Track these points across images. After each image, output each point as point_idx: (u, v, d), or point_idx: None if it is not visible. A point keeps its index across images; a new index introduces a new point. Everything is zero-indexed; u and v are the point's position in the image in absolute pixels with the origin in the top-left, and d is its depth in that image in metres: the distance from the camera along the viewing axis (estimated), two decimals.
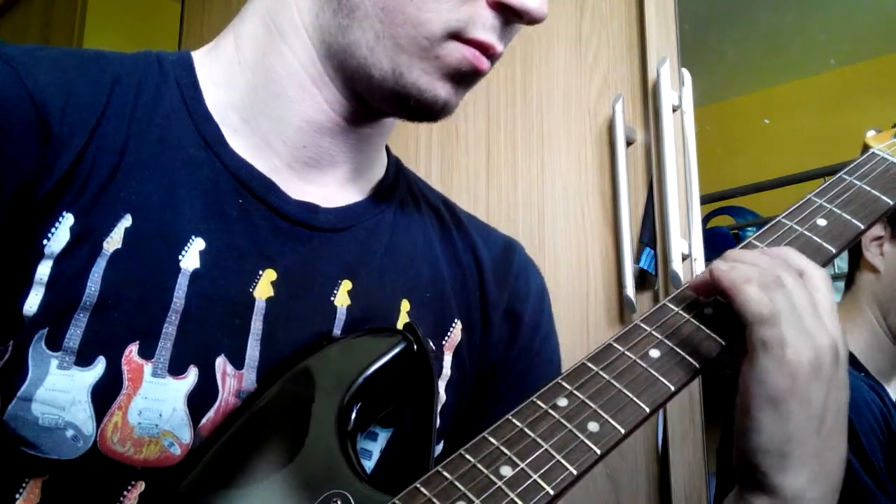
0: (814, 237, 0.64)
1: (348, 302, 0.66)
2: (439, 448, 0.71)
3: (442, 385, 0.71)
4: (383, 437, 0.66)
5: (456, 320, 0.73)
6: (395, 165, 0.78)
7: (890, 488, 1.24)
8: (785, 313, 0.55)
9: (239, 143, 0.67)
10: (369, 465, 0.65)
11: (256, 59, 0.68)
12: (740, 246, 0.64)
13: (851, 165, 0.70)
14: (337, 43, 0.65)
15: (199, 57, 0.70)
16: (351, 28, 0.64)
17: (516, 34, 0.68)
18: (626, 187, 1.41)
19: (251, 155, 0.67)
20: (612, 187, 1.45)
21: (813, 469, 0.55)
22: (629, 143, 1.44)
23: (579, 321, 1.42)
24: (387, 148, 0.79)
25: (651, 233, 1.38)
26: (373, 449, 0.66)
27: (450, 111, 0.67)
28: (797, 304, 0.56)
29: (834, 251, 0.63)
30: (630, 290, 1.35)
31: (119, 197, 0.61)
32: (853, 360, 1.36)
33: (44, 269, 0.58)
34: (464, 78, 0.65)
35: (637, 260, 1.38)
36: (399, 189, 0.76)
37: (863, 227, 0.65)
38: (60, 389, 0.56)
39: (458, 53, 0.64)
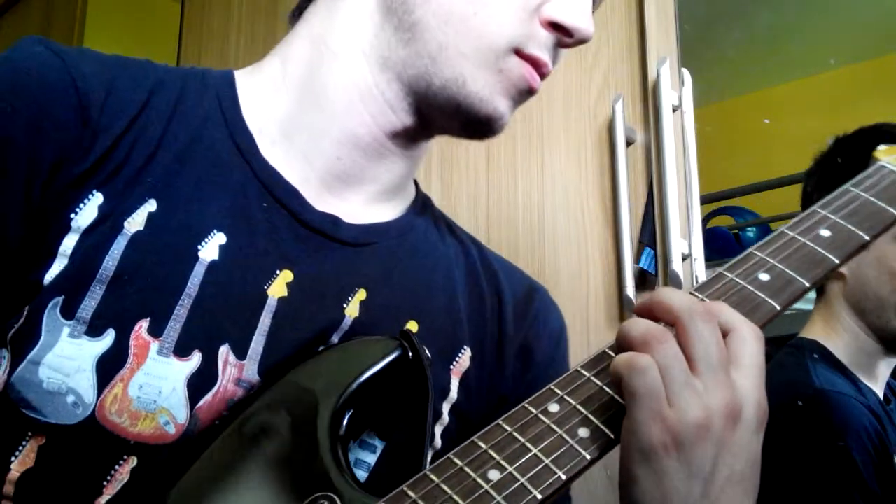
0: (817, 248, 0.62)
1: (356, 314, 0.68)
2: None
3: (446, 407, 0.72)
4: (379, 448, 0.67)
5: (465, 347, 0.74)
6: (423, 199, 0.80)
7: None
8: (666, 365, 0.50)
9: (275, 154, 0.69)
10: (363, 475, 0.65)
11: (304, 77, 0.71)
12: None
13: (858, 178, 0.69)
14: (396, 55, 0.68)
15: (241, 75, 0.74)
16: (413, 40, 0.67)
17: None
18: (626, 187, 1.41)
19: (284, 166, 0.69)
20: (612, 187, 1.44)
21: None
22: (629, 144, 1.44)
23: (579, 321, 1.42)
24: (416, 184, 0.82)
25: (651, 233, 1.38)
26: (370, 460, 0.66)
27: (502, 128, 0.69)
28: (699, 357, 0.51)
29: (837, 261, 0.61)
30: (630, 290, 1.35)
31: (146, 182, 0.64)
32: (841, 368, 1.37)
33: (69, 242, 0.61)
34: (519, 95, 0.69)
35: (637, 260, 1.38)
36: (424, 219, 0.78)
37: (868, 238, 0.63)
38: (68, 356, 0.58)
39: (519, 70, 0.67)
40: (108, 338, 0.59)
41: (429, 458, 0.68)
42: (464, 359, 0.73)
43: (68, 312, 0.59)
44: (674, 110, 1.41)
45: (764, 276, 0.60)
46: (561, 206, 1.51)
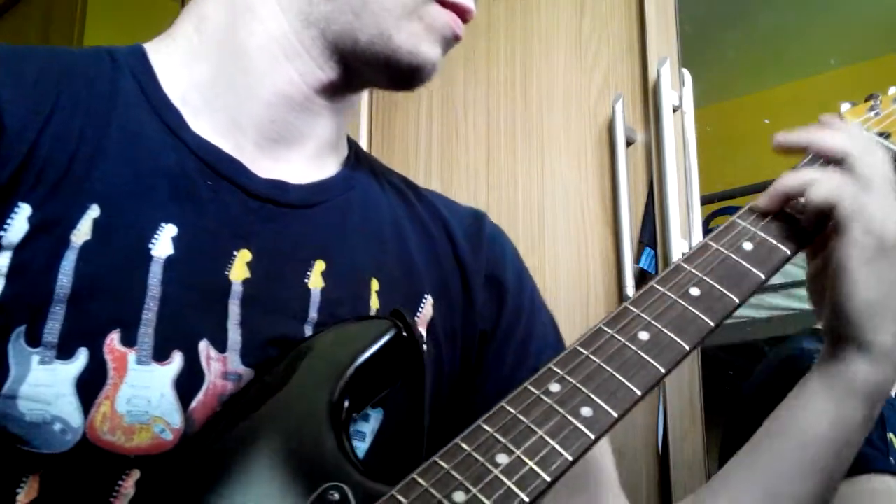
0: (797, 216, 0.66)
1: (322, 284, 0.66)
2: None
3: None
4: (375, 417, 0.66)
5: (426, 296, 0.72)
6: (354, 147, 0.78)
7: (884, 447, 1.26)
8: (862, 187, 0.63)
9: (202, 124, 0.67)
10: (363, 446, 0.65)
11: (222, 38, 0.68)
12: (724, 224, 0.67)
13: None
14: (318, 10, 0.66)
15: (152, 47, 0.70)
16: None
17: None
18: (626, 187, 1.41)
19: (215, 135, 0.67)
20: (612, 187, 1.44)
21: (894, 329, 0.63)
22: (629, 144, 1.44)
23: (579, 321, 1.42)
24: (347, 135, 0.80)
25: (651, 233, 1.38)
26: (365, 430, 0.65)
27: (432, 75, 0.69)
28: (871, 178, 0.63)
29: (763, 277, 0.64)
30: (630, 290, 1.35)
31: (83, 188, 0.60)
32: None
33: (3, 261, 0.57)
34: (444, 42, 0.68)
35: (637, 260, 1.37)
36: (362, 170, 0.76)
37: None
38: (44, 384, 0.56)
39: (441, 17, 0.67)
40: (82, 357, 0.57)
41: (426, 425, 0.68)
42: (427, 308, 0.72)
43: (33, 339, 0.56)
44: (674, 110, 1.41)
45: (748, 245, 0.64)
46: (561, 206, 1.51)
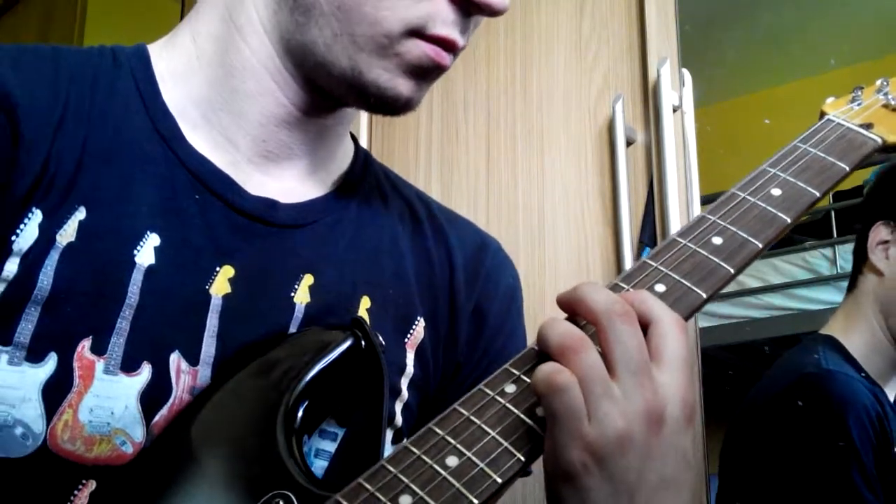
0: (768, 207, 0.61)
1: (308, 299, 0.66)
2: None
3: (405, 382, 0.70)
4: (341, 435, 0.65)
5: (419, 318, 0.72)
6: (363, 158, 0.77)
7: (878, 488, 1.26)
8: (584, 377, 0.47)
9: (198, 138, 0.66)
10: (324, 464, 0.64)
11: (214, 54, 0.67)
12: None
13: (806, 133, 0.68)
14: (295, 40, 0.65)
15: (155, 50, 0.69)
16: (308, 26, 0.64)
17: (479, 27, 0.68)
18: (626, 187, 1.41)
19: (210, 150, 0.66)
20: (612, 187, 1.45)
21: None
22: (629, 144, 1.44)
23: None
24: (355, 140, 0.78)
25: (651, 233, 1.38)
26: (331, 448, 0.65)
27: (412, 107, 0.66)
28: (619, 360, 0.48)
29: (788, 220, 0.61)
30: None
31: (73, 189, 0.60)
32: (853, 362, 1.37)
33: (11, 266, 0.57)
34: (426, 73, 0.65)
35: (637, 260, 1.37)
36: (366, 182, 0.75)
37: (818, 194, 0.63)
38: (11, 386, 0.55)
39: (418, 50, 0.63)
40: (51, 362, 0.56)
41: (388, 441, 0.67)
42: (418, 330, 0.71)
43: (5, 338, 0.55)
44: (674, 110, 1.41)
45: (717, 240, 0.59)
46: (561, 206, 1.51)
